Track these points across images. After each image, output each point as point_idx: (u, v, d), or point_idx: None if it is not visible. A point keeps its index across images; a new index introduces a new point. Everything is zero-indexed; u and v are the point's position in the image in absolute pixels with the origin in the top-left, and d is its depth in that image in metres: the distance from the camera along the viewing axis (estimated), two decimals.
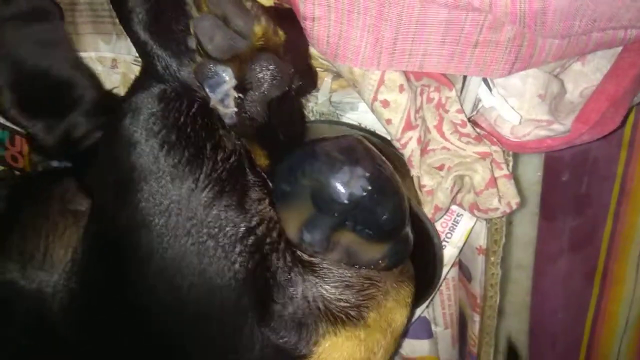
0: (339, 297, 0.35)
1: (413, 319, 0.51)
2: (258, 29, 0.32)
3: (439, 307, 0.54)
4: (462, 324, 0.57)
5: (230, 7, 0.32)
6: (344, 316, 0.35)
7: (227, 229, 0.34)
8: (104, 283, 0.37)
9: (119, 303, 0.37)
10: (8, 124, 0.54)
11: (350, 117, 0.47)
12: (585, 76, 0.43)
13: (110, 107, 0.45)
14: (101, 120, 0.46)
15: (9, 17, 0.43)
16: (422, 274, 0.42)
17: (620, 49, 0.41)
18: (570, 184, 0.61)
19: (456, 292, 0.54)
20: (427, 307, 0.54)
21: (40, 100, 0.46)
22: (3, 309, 0.40)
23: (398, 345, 0.42)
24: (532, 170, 0.51)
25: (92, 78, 0.48)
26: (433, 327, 0.56)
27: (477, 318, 0.52)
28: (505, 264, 0.50)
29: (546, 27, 0.33)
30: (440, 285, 0.51)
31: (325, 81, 0.44)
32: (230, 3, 0.31)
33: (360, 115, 0.47)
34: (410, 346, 0.55)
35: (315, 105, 0.45)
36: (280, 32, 0.33)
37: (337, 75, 0.44)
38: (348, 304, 0.35)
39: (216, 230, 0.34)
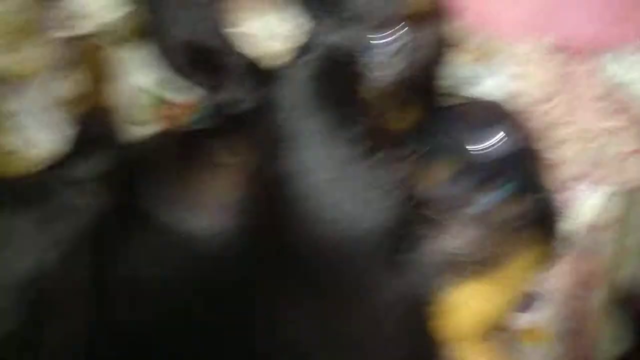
0: (470, 252, 0.38)
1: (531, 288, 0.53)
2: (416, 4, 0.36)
3: (556, 280, 0.55)
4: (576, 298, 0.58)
5: None
6: (472, 270, 0.38)
7: (374, 183, 0.39)
8: (264, 226, 0.43)
9: (275, 243, 0.42)
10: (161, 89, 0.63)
11: (473, 91, 0.49)
12: None
13: (262, 74, 0.51)
14: (252, 86, 0.53)
15: None
16: (545, 241, 0.44)
17: None
18: None
19: (577, 265, 0.54)
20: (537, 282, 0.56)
21: (198, 66, 0.54)
22: (171, 252, 0.47)
23: (518, 302, 0.44)
24: None
25: (242, 48, 0.55)
26: (545, 299, 0.57)
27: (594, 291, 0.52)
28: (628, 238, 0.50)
29: None
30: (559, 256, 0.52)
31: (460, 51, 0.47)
32: None
33: (485, 90, 0.49)
34: (520, 316, 0.57)
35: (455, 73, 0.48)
36: (433, 2, 0.37)
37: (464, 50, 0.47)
38: (477, 260, 0.38)
39: (364, 183, 0.39)
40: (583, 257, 0.53)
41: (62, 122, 0.66)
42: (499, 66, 0.43)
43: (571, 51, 0.40)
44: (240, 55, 0.53)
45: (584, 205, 0.47)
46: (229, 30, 0.54)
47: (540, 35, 0.38)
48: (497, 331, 0.42)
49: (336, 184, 0.40)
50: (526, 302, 0.58)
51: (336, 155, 0.40)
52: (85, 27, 0.60)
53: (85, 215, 0.51)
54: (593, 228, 0.50)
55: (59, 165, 0.55)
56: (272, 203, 0.43)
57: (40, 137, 0.66)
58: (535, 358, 0.59)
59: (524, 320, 0.58)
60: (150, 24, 0.52)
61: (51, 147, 0.66)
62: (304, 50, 0.42)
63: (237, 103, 0.52)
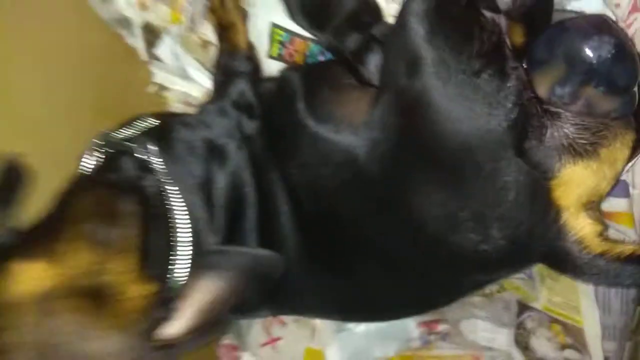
0: (579, 136, 0.48)
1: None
2: None
3: (638, 171, 0.64)
4: None
5: None
6: (582, 151, 0.48)
7: (495, 87, 0.48)
8: (405, 138, 0.52)
9: (411, 146, 0.53)
10: (291, 27, 0.72)
11: (574, 6, 0.56)
12: None
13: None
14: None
15: None
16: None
17: None
18: None
19: None
20: (628, 170, 0.64)
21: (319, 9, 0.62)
22: (327, 157, 0.57)
23: (616, 182, 0.54)
24: None
25: None
26: (631, 189, 0.66)
27: None
28: None
29: None
30: None
31: None
32: None
33: (582, 4, 0.56)
34: (611, 202, 0.66)
35: None
36: None
37: None
38: (586, 142, 0.48)
39: (486, 88, 0.48)
40: None
41: (205, 62, 0.78)
42: None
43: None
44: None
45: None
46: None
47: None
48: (599, 204, 0.52)
49: (460, 94, 0.49)
50: (620, 188, 0.66)
51: (463, 66, 0.48)
52: None
53: (257, 134, 0.63)
54: None
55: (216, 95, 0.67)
56: (403, 113, 0.53)
57: (189, 75, 0.79)
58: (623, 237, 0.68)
59: (617, 204, 0.67)
60: None
61: (200, 83, 0.79)
62: None
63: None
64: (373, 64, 0.58)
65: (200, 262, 0.54)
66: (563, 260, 0.52)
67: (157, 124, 0.62)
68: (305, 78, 0.63)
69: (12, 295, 0.44)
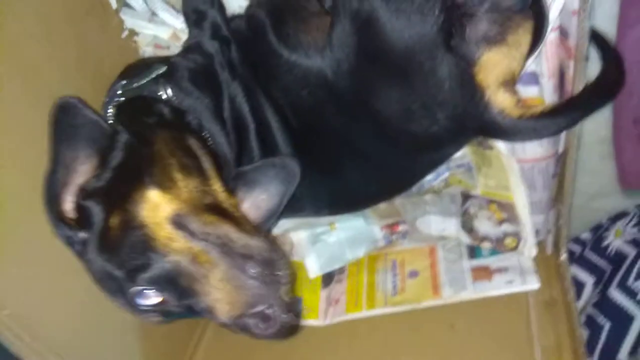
0: (490, 28, 0.61)
1: (526, 69, 0.76)
2: None
3: (544, 61, 0.78)
4: (561, 75, 0.81)
5: None
6: (493, 39, 0.61)
7: (424, 2, 0.60)
8: (361, 52, 0.63)
9: (367, 59, 0.64)
10: None
11: None
12: None
13: None
14: None
15: None
16: (536, 23, 0.67)
17: None
18: None
19: (556, 49, 0.77)
20: (536, 63, 0.79)
21: None
22: (302, 80, 0.68)
23: (524, 62, 0.68)
24: None
25: None
26: (539, 78, 0.81)
27: (571, 63, 0.75)
28: (591, 21, 0.72)
29: None
30: (546, 39, 0.74)
31: None
32: None
33: None
34: (525, 90, 0.80)
35: None
36: None
37: None
38: (495, 32, 0.61)
39: (419, 5, 0.59)
40: (559, 38, 0.75)
41: (173, 4, 0.84)
42: None
43: None
44: None
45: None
46: None
47: None
48: (514, 81, 0.66)
49: (400, 9, 0.61)
50: (529, 79, 0.81)
51: None
52: None
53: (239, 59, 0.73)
54: (567, 16, 0.71)
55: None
56: (358, 31, 0.64)
57: (159, 18, 0.85)
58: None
59: (530, 91, 0.81)
60: None
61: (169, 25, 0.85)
62: None
63: None
64: None
65: (243, 180, 0.65)
66: (492, 128, 0.66)
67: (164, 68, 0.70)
68: (271, 12, 0.73)
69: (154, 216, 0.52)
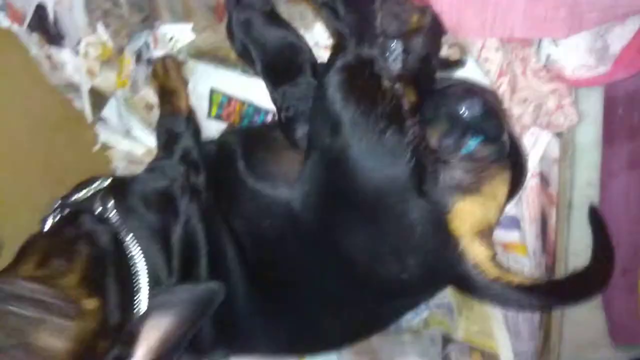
0: (465, 177, 0.58)
1: (507, 213, 0.73)
2: (414, 18, 0.56)
3: (525, 206, 0.76)
4: (544, 221, 0.78)
5: (398, 6, 0.56)
6: (468, 189, 0.58)
7: (397, 141, 0.58)
8: (331, 188, 0.61)
9: (336, 197, 0.61)
10: (229, 91, 0.81)
11: (458, 74, 0.70)
12: (623, 35, 0.63)
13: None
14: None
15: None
16: (515, 172, 0.64)
17: None
18: (624, 117, 0.80)
19: (538, 195, 0.75)
20: (517, 208, 0.76)
21: (278, 67, 0.70)
22: (266, 210, 0.65)
23: (500, 213, 0.64)
24: (594, 104, 0.71)
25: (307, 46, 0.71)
26: (521, 222, 0.78)
27: (553, 211, 0.73)
28: (573, 169, 0.71)
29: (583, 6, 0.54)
30: (526, 187, 0.72)
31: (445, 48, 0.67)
32: (399, 4, 0.55)
33: (467, 71, 0.70)
34: (506, 235, 0.77)
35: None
36: (427, 20, 0.57)
37: (453, 44, 0.67)
38: (471, 181, 0.59)
39: (390, 143, 0.58)
40: (540, 186, 0.73)
41: (148, 122, 0.85)
42: (475, 53, 0.63)
43: (515, 42, 0.60)
44: (308, 51, 0.72)
45: (538, 146, 0.67)
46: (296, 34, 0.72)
47: (493, 33, 0.59)
48: (490, 232, 0.62)
49: (372, 148, 0.59)
50: (510, 223, 0.78)
51: (372, 124, 0.58)
52: (166, 48, 0.80)
53: (199, 189, 0.70)
54: (547, 164, 0.70)
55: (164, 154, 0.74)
56: (328, 168, 0.62)
57: (133, 134, 0.86)
58: (519, 265, 0.79)
59: (512, 236, 0.78)
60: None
61: (143, 142, 0.85)
62: (340, 53, 0.61)
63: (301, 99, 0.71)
64: (301, 131, 0.68)
65: (151, 303, 0.59)
66: (466, 283, 0.61)
67: (110, 182, 0.68)
68: (243, 140, 0.72)
69: None
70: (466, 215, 0.59)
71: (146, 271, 0.61)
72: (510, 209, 0.75)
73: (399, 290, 0.63)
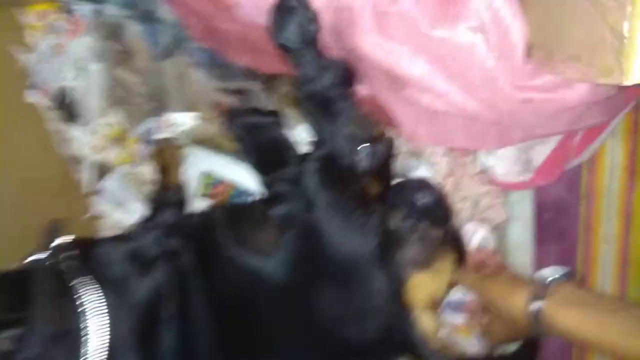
0: (420, 253, 0.71)
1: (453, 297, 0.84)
2: (377, 129, 0.72)
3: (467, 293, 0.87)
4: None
5: (364, 120, 0.72)
6: (422, 264, 0.70)
7: (363, 222, 0.70)
8: (304, 258, 0.69)
9: (311, 267, 0.70)
10: (218, 175, 0.93)
11: (415, 173, 0.85)
12: (544, 150, 0.81)
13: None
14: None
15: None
16: (456, 252, 0.77)
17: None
18: (552, 221, 0.97)
19: None
20: (463, 292, 0.87)
21: (269, 159, 0.81)
22: (240, 275, 0.71)
23: (447, 289, 0.76)
24: (525, 209, 0.87)
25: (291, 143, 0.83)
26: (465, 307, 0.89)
27: None
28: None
29: (508, 127, 0.72)
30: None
31: (402, 154, 0.83)
32: (362, 121, 0.71)
33: (420, 173, 0.85)
34: (452, 317, 0.87)
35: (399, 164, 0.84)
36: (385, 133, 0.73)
37: (408, 151, 0.83)
38: (424, 257, 0.71)
39: (358, 223, 0.70)
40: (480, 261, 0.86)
41: (143, 196, 0.94)
42: (426, 157, 0.79)
43: (457, 151, 0.77)
44: (293, 148, 0.85)
45: (475, 238, 0.81)
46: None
47: (439, 143, 0.75)
48: (437, 307, 0.73)
49: (341, 227, 0.71)
50: (456, 307, 0.89)
51: (339, 210, 0.71)
52: (170, 132, 0.92)
53: (176, 260, 0.73)
54: (481, 252, 0.84)
55: (146, 226, 0.79)
56: (303, 243, 0.73)
57: (131, 206, 0.94)
58: (466, 347, 0.89)
59: (456, 320, 0.88)
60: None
61: (135, 213, 0.93)
62: (316, 149, 0.75)
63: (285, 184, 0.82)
64: (281, 210, 0.75)
65: None
66: (415, 350, 0.70)
67: (76, 241, 0.68)
68: (228, 213, 0.79)
69: None
70: (419, 287, 0.70)
71: (105, 345, 0.57)
72: (456, 293, 0.86)
73: (358, 351, 0.71)
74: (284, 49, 0.71)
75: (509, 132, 0.73)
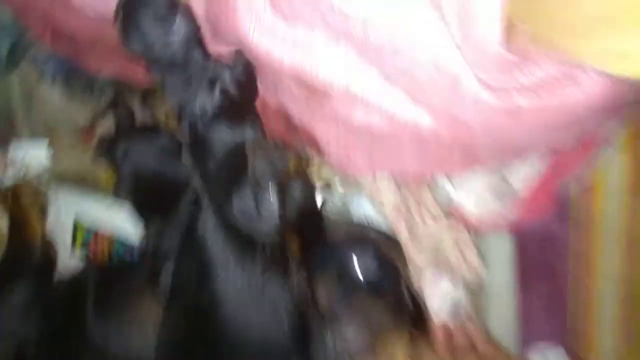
0: (357, 338, 0.48)
1: None
2: (292, 163, 0.49)
3: None
4: None
5: (274, 152, 0.49)
6: (361, 354, 0.48)
7: (277, 295, 0.48)
8: (190, 345, 0.50)
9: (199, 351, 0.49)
10: (94, 224, 0.69)
11: (358, 211, 0.63)
12: (525, 174, 0.60)
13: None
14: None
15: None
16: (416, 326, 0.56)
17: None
18: (536, 258, 0.76)
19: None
20: None
21: (151, 198, 0.61)
22: None
23: None
24: (503, 247, 0.66)
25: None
26: None
27: None
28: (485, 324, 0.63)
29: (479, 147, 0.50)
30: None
31: (338, 187, 0.61)
32: (274, 150, 0.48)
33: (364, 208, 0.63)
34: None
35: (332, 204, 0.62)
36: (305, 164, 0.50)
37: (345, 181, 0.61)
38: (365, 344, 0.48)
39: (270, 296, 0.48)
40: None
41: None
42: (361, 193, 0.57)
43: (404, 181, 0.55)
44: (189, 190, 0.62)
45: (435, 291, 0.60)
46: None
47: (380, 170, 0.53)
48: None
49: (247, 303, 0.49)
50: None
51: (245, 278, 0.49)
52: (21, 174, 0.68)
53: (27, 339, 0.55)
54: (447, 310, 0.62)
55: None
56: (194, 324, 0.51)
57: None
58: None
59: None
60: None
61: None
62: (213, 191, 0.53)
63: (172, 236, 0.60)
64: (167, 275, 0.57)
65: None
66: None
67: None
68: (99, 280, 0.61)
69: None
70: None
71: None
72: None
73: None
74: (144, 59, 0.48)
75: (478, 152, 0.51)
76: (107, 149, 0.62)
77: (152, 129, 0.64)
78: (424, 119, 0.47)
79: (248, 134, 0.48)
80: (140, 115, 0.62)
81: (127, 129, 0.64)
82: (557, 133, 0.48)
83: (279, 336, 0.48)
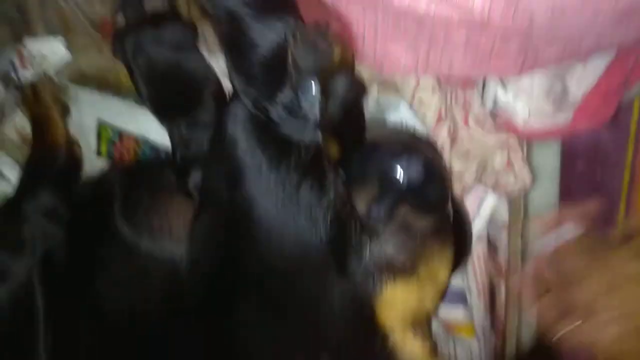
0: (397, 255, 0.46)
1: (450, 286, 0.61)
2: (336, 51, 0.43)
3: (472, 278, 0.64)
4: (492, 293, 0.67)
5: (317, 36, 0.43)
6: (401, 269, 0.46)
7: (314, 201, 0.45)
8: (222, 251, 0.48)
9: (234, 267, 0.48)
10: (120, 124, 0.67)
11: (394, 116, 0.58)
12: (586, 78, 0.53)
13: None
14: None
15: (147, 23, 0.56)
16: (458, 244, 0.53)
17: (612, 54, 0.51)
18: (585, 173, 0.71)
19: (485, 264, 0.63)
20: (462, 279, 0.64)
21: (169, 96, 0.57)
22: (144, 275, 0.52)
23: (441, 298, 0.52)
24: (550, 159, 0.61)
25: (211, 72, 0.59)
26: (468, 296, 0.66)
27: (502, 284, 0.61)
28: (525, 237, 0.60)
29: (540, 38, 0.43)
30: (472, 255, 0.61)
31: (373, 87, 0.55)
32: (317, 33, 0.43)
33: (402, 114, 0.58)
34: (449, 311, 0.65)
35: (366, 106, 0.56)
36: (351, 53, 0.44)
37: (382, 82, 0.55)
38: (405, 260, 0.46)
39: (305, 202, 0.45)
40: (488, 254, 0.62)
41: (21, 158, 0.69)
42: (407, 94, 0.51)
43: (456, 83, 0.49)
44: (208, 80, 0.58)
45: (484, 208, 0.56)
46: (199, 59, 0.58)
47: (426, 70, 0.47)
48: (428, 321, 0.49)
49: (282, 208, 0.46)
50: (454, 297, 0.66)
51: (282, 180, 0.46)
52: (41, 70, 0.65)
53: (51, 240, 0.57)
54: (495, 229, 0.59)
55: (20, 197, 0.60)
56: (226, 229, 0.49)
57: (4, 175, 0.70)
58: (465, 348, 0.67)
59: (454, 314, 0.66)
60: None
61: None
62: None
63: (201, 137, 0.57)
64: (196, 177, 0.55)
65: None
66: None
67: None
68: (125, 181, 0.59)
69: None
70: (397, 302, 0.47)
71: None
72: (455, 280, 0.63)
73: None
74: None
75: (536, 47, 0.46)
76: (117, 44, 0.58)
77: (163, 18, 0.58)
78: (479, 4, 0.40)
79: (288, 21, 0.42)
80: (151, 3, 0.57)
81: (135, 21, 0.59)
82: (625, 20, 0.41)
83: (315, 243, 0.45)
